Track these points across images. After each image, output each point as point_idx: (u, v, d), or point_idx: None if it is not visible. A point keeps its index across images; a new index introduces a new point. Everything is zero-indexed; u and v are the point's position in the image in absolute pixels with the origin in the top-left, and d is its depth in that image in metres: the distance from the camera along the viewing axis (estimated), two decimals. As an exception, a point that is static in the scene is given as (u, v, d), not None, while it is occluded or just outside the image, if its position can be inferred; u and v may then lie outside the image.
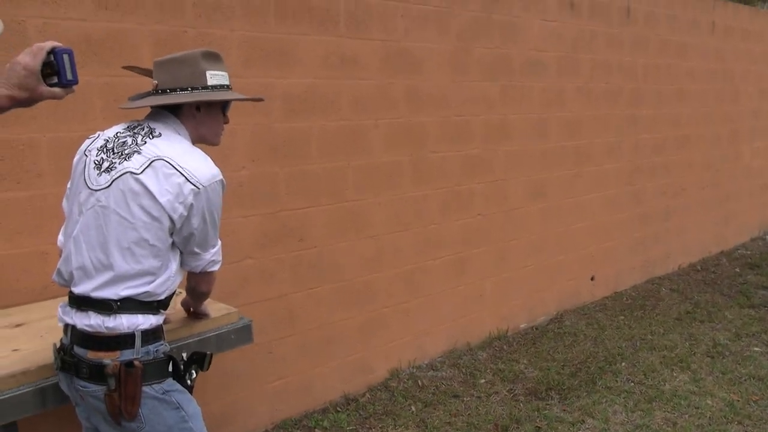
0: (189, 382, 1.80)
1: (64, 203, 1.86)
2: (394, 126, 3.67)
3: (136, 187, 1.66)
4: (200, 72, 1.79)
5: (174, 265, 1.76)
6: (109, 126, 1.86)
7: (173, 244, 1.74)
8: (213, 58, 1.85)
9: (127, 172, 1.67)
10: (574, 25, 4.76)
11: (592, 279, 5.22)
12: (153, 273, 1.69)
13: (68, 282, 1.75)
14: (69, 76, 1.45)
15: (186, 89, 1.78)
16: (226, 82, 1.87)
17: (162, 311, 1.76)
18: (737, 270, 6.15)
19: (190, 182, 1.68)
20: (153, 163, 1.67)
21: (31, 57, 1.41)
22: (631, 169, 5.45)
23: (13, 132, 2.41)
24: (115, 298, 1.65)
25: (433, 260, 3.99)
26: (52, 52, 1.43)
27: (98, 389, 1.65)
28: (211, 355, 1.86)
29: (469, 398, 3.59)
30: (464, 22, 3.98)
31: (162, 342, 1.74)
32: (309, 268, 3.37)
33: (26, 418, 1.79)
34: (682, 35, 5.87)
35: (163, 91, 1.79)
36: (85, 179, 1.74)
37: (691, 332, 4.53)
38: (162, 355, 1.72)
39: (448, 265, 4.09)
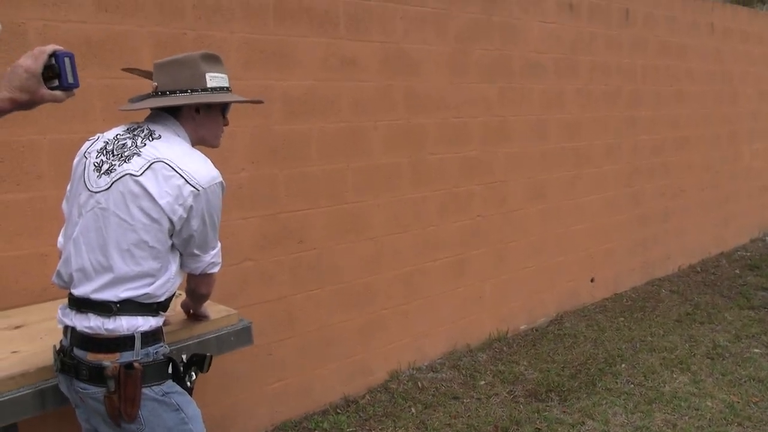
0: (189, 383, 1.79)
1: (64, 205, 1.86)
2: (393, 128, 3.68)
3: (136, 189, 1.66)
4: (200, 74, 1.80)
5: (174, 266, 1.76)
6: (109, 128, 1.87)
7: (173, 246, 1.74)
8: (213, 60, 1.85)
9: (126, 174, 1.67)
10: (573, 26, 4.76)
11: (591, 280, 5.22)
12: (153, 275, 1.69)
13: (68, 284, 1.75)
14: (70, 80, 1.46)
15: (186, 91, 1.78)
16: (226, 84, 1.87)
17: (162, 313, 1.76)
18: (737, 271, 6.15)
19: (190, 184, 1.68)
20: (153, 165, 1.67)
21: (32, 60, 1.41)
22: (630, 170, 5.45)
23: (13, 134, 2.42)
24: (115, 299, 1.65)
25: (432, 262, 3.99)
26: (54, 55, 1.44)
27: (98, 391, 1.65)
28: (211, 357, 1.86)
29: (469, 400, 3.59)
30: (463, 23, 3.98)
31: (162, 344, 1.74)
32: (308, 270, 3.37)
33: (26, 419, 1.79)
34: (681, 37, 5.88)
35: (163, 93, 1.79)
36: (84, 181, 1.74)
37: (691, 334, 4.53)
38: (162, 357, 1.72)
39: (448, 267, 4.09)
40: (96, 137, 1.84)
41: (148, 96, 1.83)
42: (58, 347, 1.77)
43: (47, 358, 1.79)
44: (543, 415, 3.38)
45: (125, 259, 1.66)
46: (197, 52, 1.84)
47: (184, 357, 1.81)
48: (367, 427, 3.31)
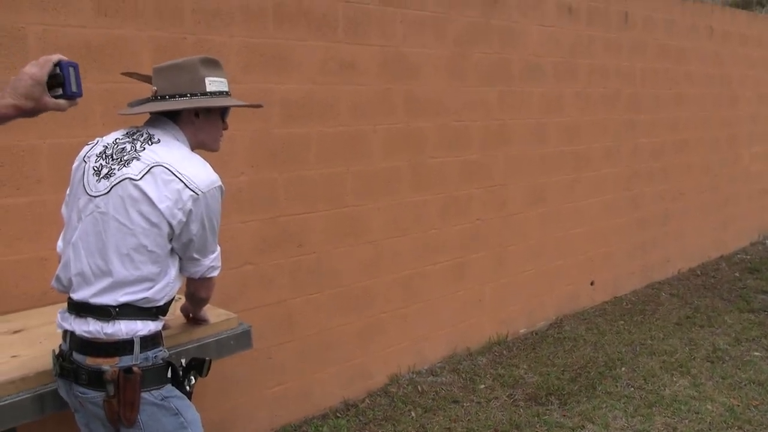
0: (188, 388, 1.79)
1: (63, 209, 1.86)
2: (393, 131, 3.68)
3: (135, 193, 1.66)
4: (199, 78, 1.80)
5: (173, 271, 1.76)
6: (109, 132, 1.87)
7: (172, 250, 1.74)
8: (212, 65, 1.86)
9: (126, 179, 1.68)
10: (573, 30, 4.77)
11: (591, 284, 5.21)
12: (152, 279, 1.69)
13: (67, 288, 1.75)
14: (74, 89, 1.49)
15: (185, 95, 1.79)
16: (225, 89, 1.88)
17: (161, 317, 1.76)
18: (737, 274, 6.15)
19: (189, 188, 1.69)
20: (152, 170, 1.68)
21: (38, 68, 1.44)
22: (629, 173, 5.45)
23: (13, 138, 2.42)
24: (114, 304, 1.65)
25: (432, 265, 3.99)
26: (59, 64, 1.47)
27: (97, 395, 1.65)
28: (210, 361, 1.86)
29: (468, 404, 3.58)
30: (462, 27, 3.99)
31: (161, 348, 1.74)
32: (308, 274, 3.37)
33: (25, 424, 1.79)
34: (680, 40, 5.89)
35: (162, 98, 1.79)
36: (84, 185, 1.74)
37: (690, 337, 4.53)
38: (161, 361, 1.72)
39: (447, 271, 4.09)
40: (95, 141, 1.85)
41: (147, 100, 1.83)
42: (57, 351, 1.77)
43: (47, 362, 1.79)
44: (543, 419, 3.38)
45: (124, 264, 1.66)
46: (196, 57, 1.85)
47: (183, 361, 1.81)
48: (366, 431, 3.31)
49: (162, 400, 1.70)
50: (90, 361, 1.66)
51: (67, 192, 1.85)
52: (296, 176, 3.27)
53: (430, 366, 4.05)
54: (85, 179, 1.75)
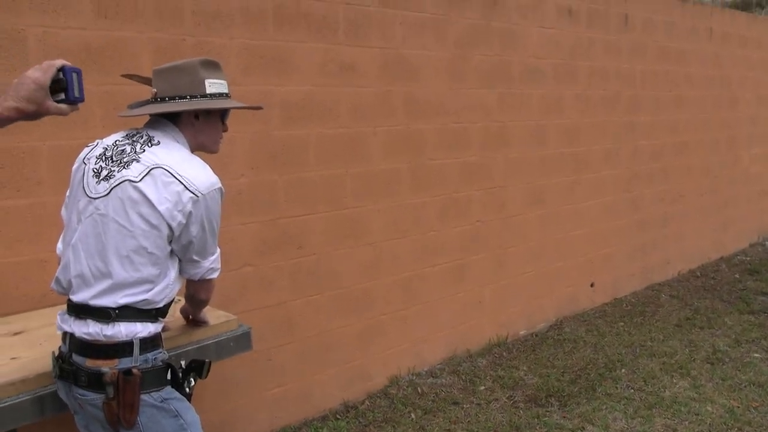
0: (187, 389, 1.79)
1: (63, 211, 1.86)
2: (393, 133, 3.68)
3: (135, 195, 1.66)
4: (199, 80, 1.80)
5: (172, 272, 1.76)
6: (109, 134, 1.87)
7: (172, 251, 1.74)
8: (212, 67, 1.86)
9: (125, 180, 1.68)
10: (572, 32, 4.78)
11: (591, 285, 5.21)
12: (151, 281, 1.69)
13: (67, 290, 1.75)
14: (76, 94, 1.50)
15: (185, 97, 1.79)
16: (225, 91, 1.88)
17: (160, 319, 1.76)
18: (736, 276, 6.15)
19: (189, 190, 1.69)
20: (152, 171, 1.68)
21: (41, 72, 1.45)
22: (629, 175, 5.46)
23: (14, 140, 2.42)
24: (114, 306, 1.66)
25: (431, 267, 3.99)
26: (62, 69, 1.48)
27: (96, 397, 1.65)
28: (210, 363, 1.86)
29: (468, 405, 3.58)
30: (462, 29, 3.99)
31: (160, 350, 1.74)
32: (308, 276, 3.37)
33: (25, 426, 1.79)
34: (680, 42, 5.89)
35: (162, 100, 1.80)
36: (83, 187, 1.74)
37: (690, 338, 4.53)
38: (160, 363, 1.72)
39: (447, 272, 4.09)
40: (95, 143, 1.85)
41: (147, 102, 1.83)
42: (56, 353, 1.77)
43: (46, 364, 1.79)
44: (543, 421, 3.37)
45: (124, 265, 1.66)
46: (196, 59, 1.85)
47: (183, 363, 1.81)
48: (366, 433, 3.31)
49: (161, 402, 1.70)
50: (89, 363, 1.66)
51: (67, 194, 1.85)
52: (296, 178, 3.27)
53: (430, 368, 4.05)
54: (85, 181, 1.75)
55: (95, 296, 1.66)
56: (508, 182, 4.40)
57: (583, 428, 3.30)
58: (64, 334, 1.74)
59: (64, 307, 1.76)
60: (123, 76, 2.14)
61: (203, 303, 2.05)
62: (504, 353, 4.31)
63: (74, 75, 1.49)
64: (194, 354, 2.02)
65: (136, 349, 1.66)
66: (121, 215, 1.66)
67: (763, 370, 3.97)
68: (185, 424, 1.74)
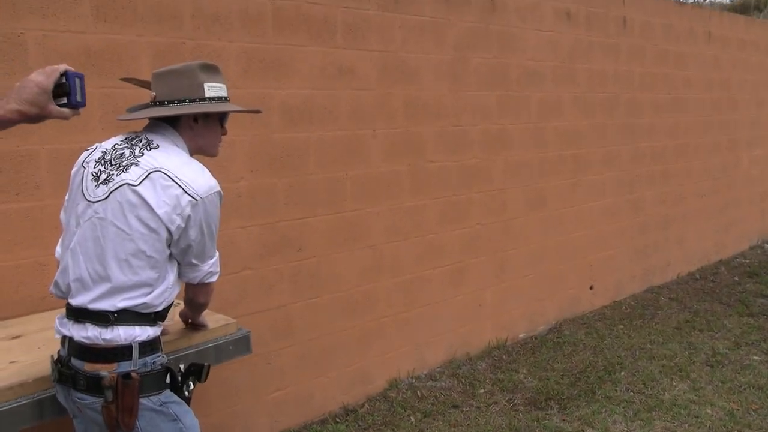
0: (186, 393, 1.79)
1: (62, 215, 1.86)
2: (392, 136, 3.69)
3: (134, 198, 1.66)
4: (198, 84, 1.80)
5: (171, 276, 1.76)
6: (108, 137, 1.87)
7: (171, 255, 1.74)
8: (211, 70, 1.86)
9: (124, 184, 1.68)
10: (571, 35, 4.78)
11: (591, 288, 5.21)
12: (150, 284, 1.69)
13: (65, 294, 1.75)
14: (79, 98, 1.52)
15: (184, 101, 1.79)
16: (224, 94, 1.88)
17: (159, 323, 1.76)
18: (736, 278, 6.15)
19: (188, 194, 1.69)
20: (150, 175, 1.68)
21: (44, 76, 1.46)
22: (629, 177, 5.46)
23: (12, 144, 2.42)
24: (113, 309, 1.65)
25: (431, 270, 3.99)
26: (65, 74, 1.50)
27: (95, 401, 1.65)
28: (209, 367, 1.85)
29: (468, 408, 3.58)
30: (461, 32, 4.00)
31: (159, 353, 1.74)
32: (308, 279, 3.37)
33: (24, 430, 1.78)
34: (679, 45, 5.90)
35: (161, 103, 1.80)
36: (82, 191, 1.74)
37: (690, 341, 4.53)
38: (159, 367, 1.72)
39: (447, 275, 4.09)
40: (94, 147, 1.85)
41: (146, 106, 1.84)
42: (55, 357, 1.76)
43: (45, 368, 1.79)
44: (542, 424, 3.37)
45: (123, 269, 1.66)
46: (195, 62, 1.85)
47: (182, 366, 1.81)
48: (366, 436, 3.30)
49: (161, 405, 1.70)
50: (88, 367, 1.66)
51: (66, 197, 1.85)
52: (296, 181, 3.27)
53: (430, 371, 4.05)
54: (84, 185, 1.75)
55: (94, 300, 1.66)
56: (507, 185, 4.40)
57: (583, 431, 3.30)
58: (63, 337, 1.73)
59: (63, 310, 1.76)
60: (122, 79, 2.14)
61: (202, 306, 2.05)
62: (504, 356, 4.31)
63: (77, 80, 1.51)
64: (193, 357, 2.02)
65: (135, 353, 1.66)
66: (119, 219, 1.66)
67: (763, 372, 3.96)
68: (184, 427, 1.74)
